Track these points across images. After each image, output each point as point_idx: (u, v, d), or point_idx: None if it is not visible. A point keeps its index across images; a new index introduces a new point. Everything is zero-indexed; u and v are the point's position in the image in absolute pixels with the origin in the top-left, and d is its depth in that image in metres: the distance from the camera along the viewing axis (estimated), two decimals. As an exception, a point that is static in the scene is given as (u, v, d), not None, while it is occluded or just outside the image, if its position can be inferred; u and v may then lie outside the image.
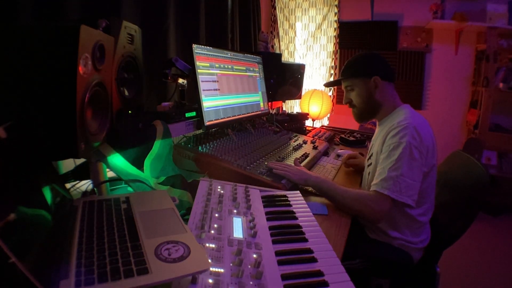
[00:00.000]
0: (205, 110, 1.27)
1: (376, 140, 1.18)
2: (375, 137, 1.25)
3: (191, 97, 1.42)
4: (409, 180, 0.98)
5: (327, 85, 1.39)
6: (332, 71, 3.41)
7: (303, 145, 1.54)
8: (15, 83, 0.62)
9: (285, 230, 0.77)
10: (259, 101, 1.76)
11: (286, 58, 3.50)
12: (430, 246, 1.12)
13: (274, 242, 0.70)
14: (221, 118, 1.38)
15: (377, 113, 1.19)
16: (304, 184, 1.11)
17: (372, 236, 1.17)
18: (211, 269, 0.56)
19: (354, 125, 1.46)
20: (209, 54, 1.35)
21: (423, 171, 1.02)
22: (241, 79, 1.60)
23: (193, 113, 1.32)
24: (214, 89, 1.36)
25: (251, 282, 0.55)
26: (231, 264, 0.59)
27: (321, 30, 3.41)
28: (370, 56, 1.20)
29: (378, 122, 1.22)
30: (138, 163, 0.95)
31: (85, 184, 0.89)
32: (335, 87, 3.44)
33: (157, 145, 1.03)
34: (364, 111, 1.20)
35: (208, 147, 1.21)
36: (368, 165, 1.20)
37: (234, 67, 1.55)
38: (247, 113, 1.61)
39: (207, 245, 0.63)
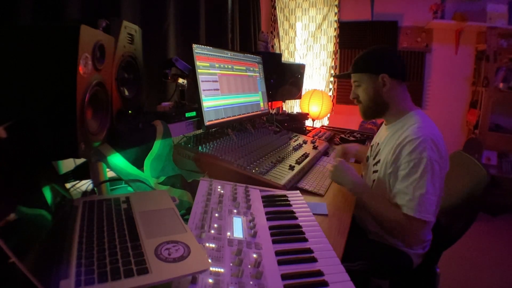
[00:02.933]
0: (205, 110, 1.27)
1: (385, 146, 1.11)
2: (381, 140, 1.16)
3: (191, 97, 1.42)
4: (432, 197, 0.94)
5: (337, 77, 1.31)
6: (332, 71, 3.41)
7: (303, 145, 1.54)
8: (15, 83, 0.62)
9: (285, 230, 0.77)
10: (259, 101, 1.76)
11: (286, 58, 3.50)
12: (430, 247, 1.12)
13: (274, 242, 0.70)
14: (221, 118, 1.38)
15: (384, 113, 1.12)
16: (342, 185, 1.11)
17: (372, 237, 1.17)
18: (211, 269, 0.56)
19: (354, 125, 1.46)
20: (209, 54, 1.35)
21: (441, 183, 0.99)
22: (241, 79, 1.60)
23: (193, 113, 1.32)
24: (214, 89, 1.36)
25: (251, 282, 0.55)
26: (231, 264, 0.59)
27: (321, 30, 3.41)
28: (381, 51, 1.11)
29: (386, 124, 1.16)
30: (138, 163, 0.95)
31: (85, 184, 0.89)
32: (335, 86, 3.45)
33: (157, 145, 1.03)
34: (370, 109, 1.12)
35: (208, 147, 1.21)
36: (374, 171, 1.14)
37: (234, 67, 1.55)
38: (247, 113, 1.61)
39: (207, 245, 0.63)
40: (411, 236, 0.99)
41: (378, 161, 1.13)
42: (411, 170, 0.97)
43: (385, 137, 1.14)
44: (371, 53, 1.10)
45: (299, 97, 2.53)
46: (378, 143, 1.17)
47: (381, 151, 1.13)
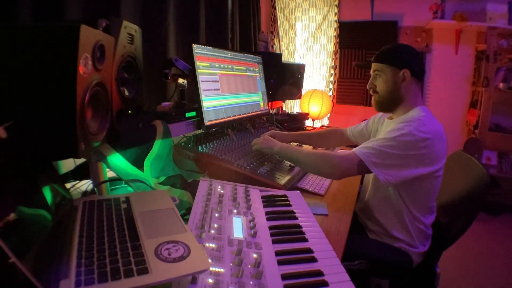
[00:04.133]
0: (205, 110, 1.27)
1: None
2: (379, 130, 1.21)
3: (191, 97, 1.42)
4: (390, 160, 0.95)
5: (358, 66, 1.33)
6: (332, 71, 3.41)
7: (303, 145, 1.54)
8: (15, 83, 0.62)
9: (285, 230, 0.77)
10: (259, 101, 1.76)
11: (286, 58, 3.50)
12: (430, 247, 1.12)
13: (274, 242, 0.70)
14: (221, 118, 1.38)
15: (397, 107, 1.13)
16: (271, 152, 1.19)
17: (372, 237, 1.17)
18: (211, 269, 0.56)
19: (354, 125, 1.45)
20: (209, 54, 1.35)
21: (409, 164, 0.97)
22: (241, 79, 1.60)
23: (193, 113, 1.32)
24: (214, 89, 1.36)
25: (251, 282, 0.55)
26: (231, 264, 0.59)
27: (321, 30, 3.41)
28: (407, 48, 1.14)
29: (392, 117, 1.17)
30: (138, 163, 0.95)
31: (85, 184, 0.89)
32: (335, 86, 3.44)
33: (157, 145, 1.03)
34: (385, 101, 1.13)
35: (208, 147, 1.21)
36: None
37: (234, 67, 1.55)
38: (247, 113, 1.61)
39: (207, 245, 0.63)
40: (337, 166, 1.00)
41: None
42: (386, 133, 1.01)
43: (384, 129, 1.15)
44: (398, 47, 1.14)
45: (299, 97, 2.53)
46: None
47: None
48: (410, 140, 0.95)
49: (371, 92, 1.16)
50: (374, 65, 1.15)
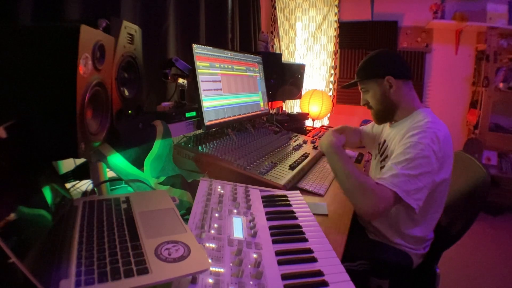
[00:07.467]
0: (205, 110, 1.27)
1: (392, 141, 1.11)
2: (389, 137, 1.16)
3: (191, 97, 1.42)
4: (420, 183, 0.91)
5: (345, 87, 1.29)
6: (332, 71, 3.41)
7: (303, 145, 1.54)
8: (15, 83, 0.62)
9: (285, 230, 0.77)
10: (259, 101, 1.76)
11: (286, 58, 3.50)
12: (430, 247, 1.12)
13: (274, 242, 0.70)
14: (221, 118, 1.38)
15: (394, 114, 1.12)
16: (321, 148, 1.13)
17: (372, 237, 1.17)
18: (211, 269, 0.56)
19: (354, 125, 1.45)
20: (209, 54, 1.35)
21: (433, 179, 0.95)
22: (241, 79, 1.60)
23: (193, 113, 1.32)
24: (214, 89, 1.36)
25: (251, 282, 0.55)
26: (231, 264, 0.59)
27: (321, 30, 3.41)
28: (381, 55, 1.12)
29: (393, 123, 1.15)
30: (138, 163, 0.95)
31: (85, 184, 0.89)
32: (335, 86, 3.45)
33: (157, 145, 1.03)
34: (381, 112, 1.13)
35: (208, 147, 1.21)
36: (381, 168, 1.14)
37: (234, 67, 1.55)
38: (247, 113, 1.61)
39: (207, 245, 0.63)
40: (376, 207, 0.89)
41: (386, 157, 1.12)
42: (404, 151, 0.95)
43: (393, 133, 1.13)
44: (372, 58, 1.13)
45: (299, 97, 2.53)
46: (385, 141, 1.17)
47: (388, 147, 1.13)
48: (429, 155, 0.92)
49: (367, 107, 1.16)
50: (359, 83, 1.15)
